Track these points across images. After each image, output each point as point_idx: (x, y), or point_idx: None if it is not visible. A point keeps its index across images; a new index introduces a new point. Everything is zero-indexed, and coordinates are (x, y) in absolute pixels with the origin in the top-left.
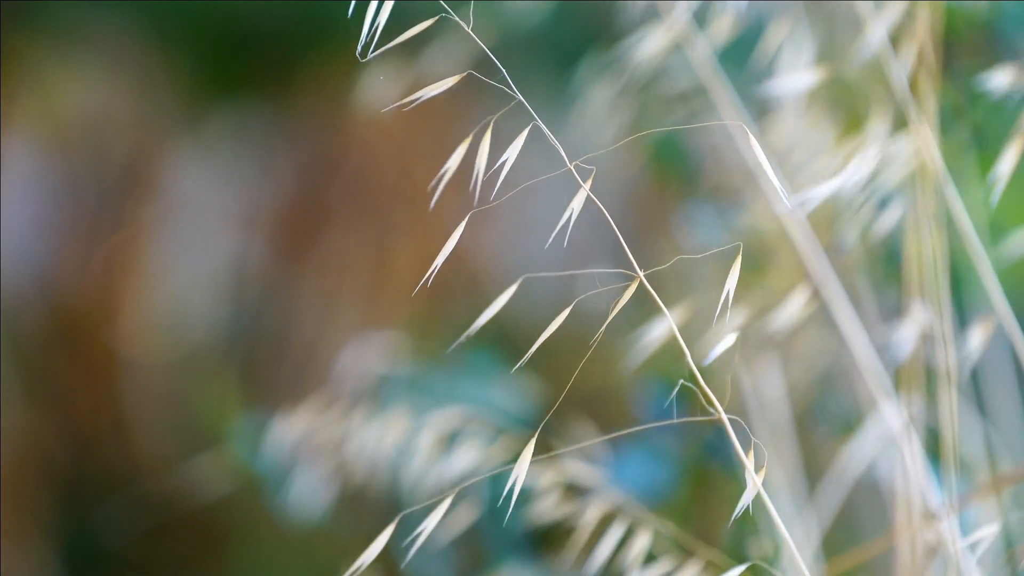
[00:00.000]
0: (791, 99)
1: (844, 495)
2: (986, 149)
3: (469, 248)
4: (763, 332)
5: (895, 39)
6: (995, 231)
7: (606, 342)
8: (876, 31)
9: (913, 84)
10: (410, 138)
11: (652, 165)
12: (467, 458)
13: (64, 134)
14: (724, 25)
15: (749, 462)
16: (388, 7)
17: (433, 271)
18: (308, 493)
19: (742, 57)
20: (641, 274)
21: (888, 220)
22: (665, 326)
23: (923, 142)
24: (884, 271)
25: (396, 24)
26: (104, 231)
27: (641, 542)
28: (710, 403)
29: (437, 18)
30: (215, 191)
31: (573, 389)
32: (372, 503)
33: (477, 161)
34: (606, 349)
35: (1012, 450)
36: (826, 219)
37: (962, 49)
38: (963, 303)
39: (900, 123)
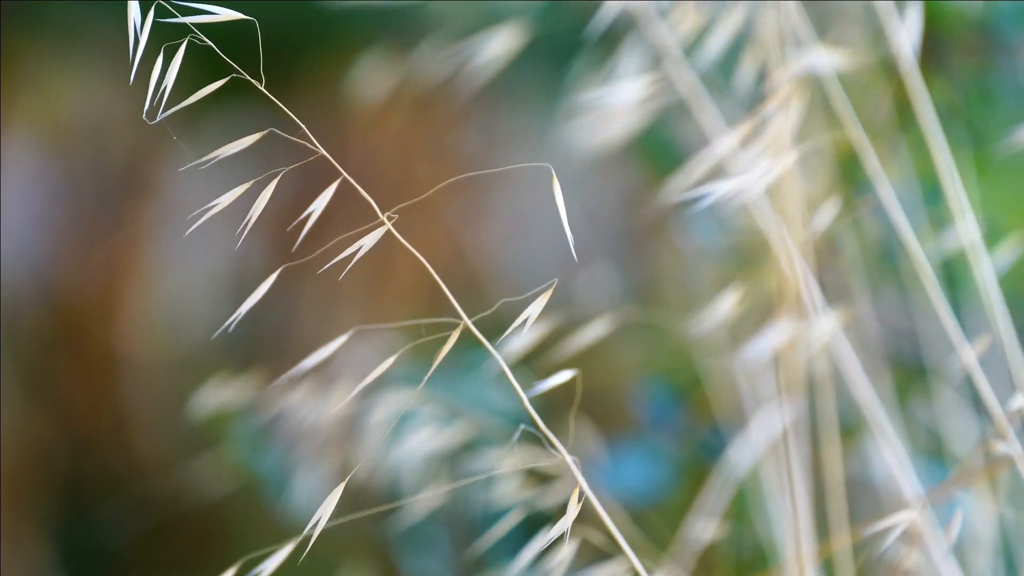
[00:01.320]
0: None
1: (837, 494)
2: (981, 147)
3: (468, 248)
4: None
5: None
6: (993, 235)
7: (603, 345)
8: (721, 32)
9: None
10: (410, 138)
11: (645, 165)
12: (460, 454)
13: (64, 134)
14: (690, 21)
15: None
16: (175, 69)
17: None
18: (307, 493)
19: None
20: (468, 320)
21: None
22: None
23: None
24: (879, 271)
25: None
26: (104, 231)
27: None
28: (552, 445)
29: (228, 79)
30: (215, 191)
31: (569, 390)
32: (370, 502)
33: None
34: (603, 351)
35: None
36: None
37: (957, 47)
38: (960, 305)
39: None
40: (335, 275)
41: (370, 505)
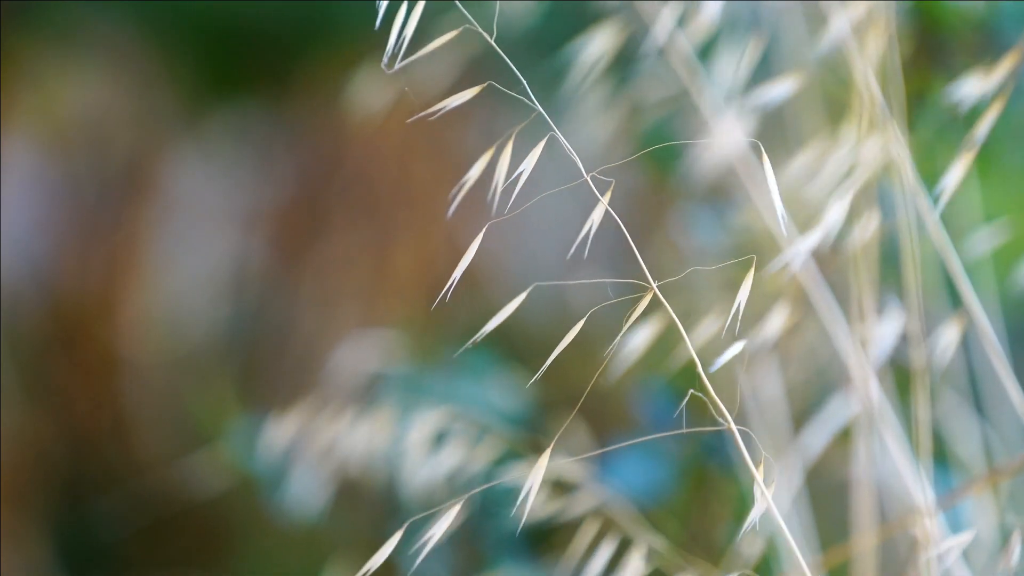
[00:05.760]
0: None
1: (840, 494)
2: (986, 148)
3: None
4: (759, 334)
5: (859, 37)
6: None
7: (603, 343)
8: (837, 28)
9: (881, 82)
10: (410, 138)
11: (648, 165)
12: (460, 457)
13: (64, 134)
14: (702, 26)
15: (759, 475)
16: (416, 18)
17: (451, 285)
18: (304, 491)
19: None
20: (654, 285)
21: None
22: (651, 329)
23: (890, 142)
24: (882, 271)
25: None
26: (104, 231)
27: (625, 545)
28: (719, 412)
29: (461, 29)
30: (215, 191)
31: (570, 390)
32: (367, 501)
33: (497, 171)
34: (603, 350)
35: (1010, 449)
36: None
37: (958, 48)
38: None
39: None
40: (335, 275)
41: (373, 506)
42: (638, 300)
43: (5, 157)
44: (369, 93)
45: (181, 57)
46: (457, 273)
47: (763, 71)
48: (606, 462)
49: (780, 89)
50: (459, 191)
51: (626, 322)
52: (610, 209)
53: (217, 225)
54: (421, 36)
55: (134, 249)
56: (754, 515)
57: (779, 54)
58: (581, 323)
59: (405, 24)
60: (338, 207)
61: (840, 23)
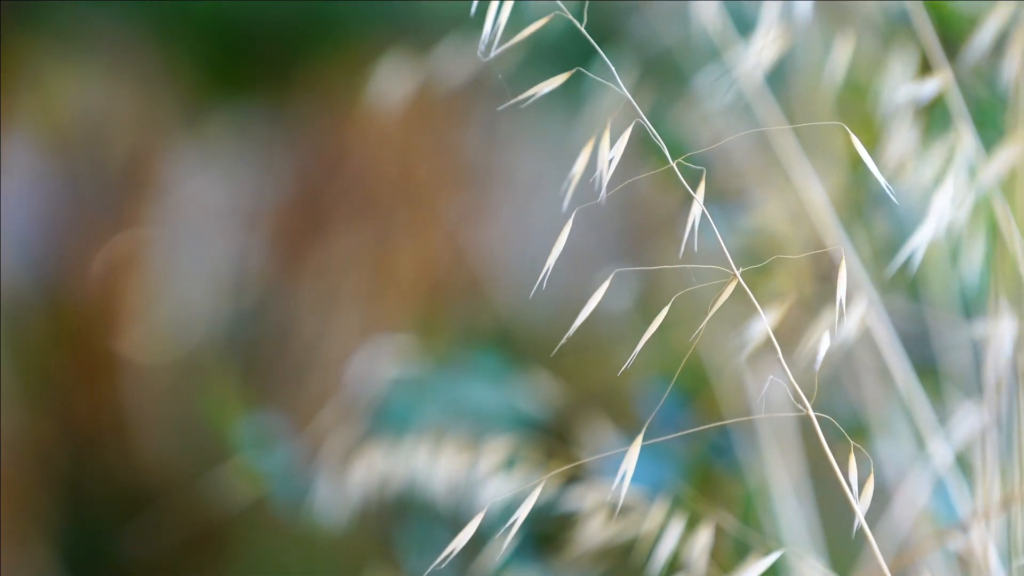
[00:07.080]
0: (907, 109)
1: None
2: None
3: (468, 248)
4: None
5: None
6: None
7: (610, 344)
8: (984, 35)
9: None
10: (410, 138)
11: (658, 165)
12: (472, 460)
13: (64, 134)
14: (773, 39)
15: (851, 466)
16: (509, 6)
17: (545, 276)
18: (321, 500)
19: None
20: (737, 272)
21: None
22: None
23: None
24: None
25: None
26: (105, 231)
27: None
28: (798, 399)
29: (552, 15)
30: (216, 191)
31: (581, 390)
32: (380, 510)
33: (599, 162)
34: (611, 351)
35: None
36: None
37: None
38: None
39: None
40: (336, 274)
41: (390, 514)
42: (723, 286)
43: (5, 157)
44: (387, 88)
45: (181, 57)
46: (551, 260)
47: (778, 73)
48: (612, 460)
49: (928, 87)
50: (569, 185)
51: (712, 307)
52: (700, 202)
53: (218, 225)
54: (429, 32)
55: (135, 249)
56: (858, 518)
57: (795, 57)
58: (667, 309)
59: (499, 12)
60: (338, 207)
61: (991, 25)
